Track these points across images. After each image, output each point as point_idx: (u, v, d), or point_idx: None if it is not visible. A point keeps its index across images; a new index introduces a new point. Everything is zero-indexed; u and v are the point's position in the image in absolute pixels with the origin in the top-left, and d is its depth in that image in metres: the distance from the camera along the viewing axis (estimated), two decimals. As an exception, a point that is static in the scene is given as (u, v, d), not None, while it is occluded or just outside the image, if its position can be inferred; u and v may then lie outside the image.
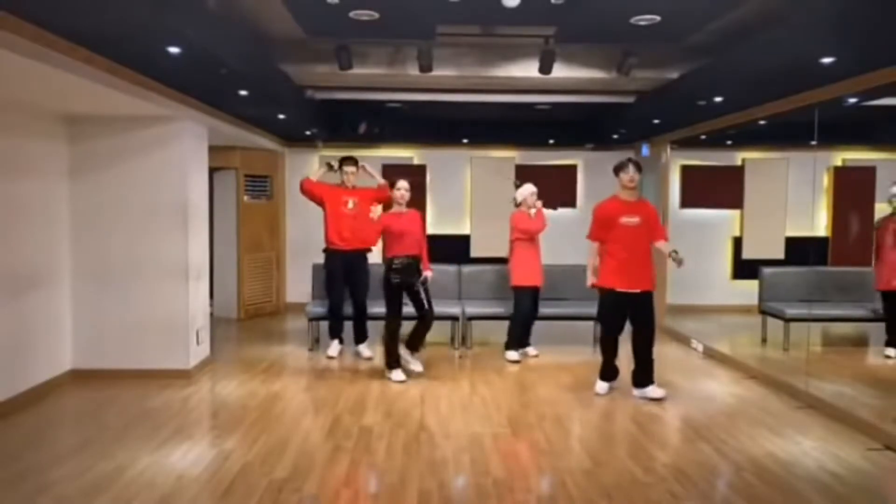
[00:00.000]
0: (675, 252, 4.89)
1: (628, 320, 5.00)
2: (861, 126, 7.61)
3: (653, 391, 4.97)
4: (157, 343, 5.46)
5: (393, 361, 5.47)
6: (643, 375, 5.00)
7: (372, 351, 6.20)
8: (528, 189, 6.11)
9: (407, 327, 5.56)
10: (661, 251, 5.00)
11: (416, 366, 5.60)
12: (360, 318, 6.27)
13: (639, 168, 4.95)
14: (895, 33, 3.52)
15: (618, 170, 4.96)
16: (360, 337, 6.30)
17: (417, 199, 8.72)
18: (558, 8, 4.38)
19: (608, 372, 5.12)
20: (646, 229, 4.89)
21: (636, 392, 5.03)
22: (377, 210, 5.43)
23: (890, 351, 6.09)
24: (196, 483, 3.46)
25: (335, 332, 6.31)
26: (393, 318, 5.43)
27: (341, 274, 6.16)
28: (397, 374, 5.42)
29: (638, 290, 4.85)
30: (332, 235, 6.14)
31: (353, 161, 6.26)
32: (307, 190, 6.16)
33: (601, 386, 5.12)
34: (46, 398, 4.92)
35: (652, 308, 4.97)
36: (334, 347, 6.27)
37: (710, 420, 4.53)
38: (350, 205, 6.12)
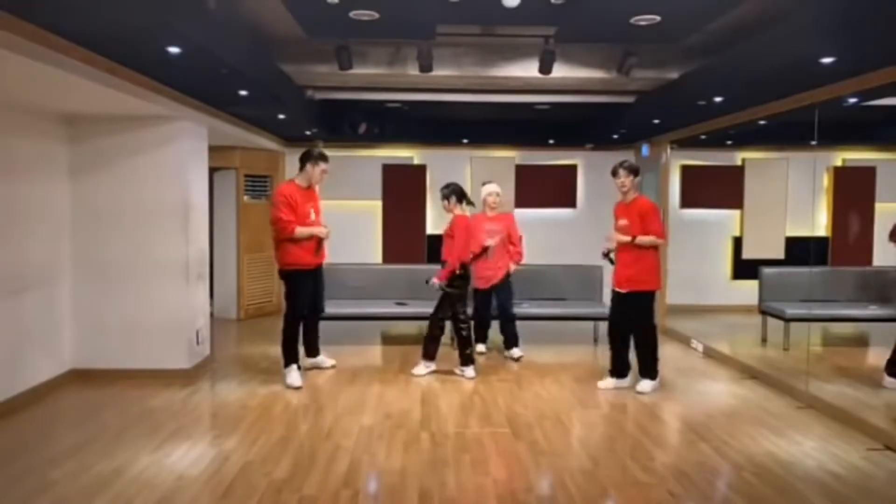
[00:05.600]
0: (610, 249, 5.09)
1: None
2: (861, 126, 7.62)
3: (642, 385, 5.14)
4: (157, 343, 5.46)
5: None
6: (639, 368, 5.19)
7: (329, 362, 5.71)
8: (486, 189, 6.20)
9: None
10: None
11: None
12: (317, 324, 5.69)
13: (629, 171, 4.99)
14: (895, 33, 3.52)
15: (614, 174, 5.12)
16: (315, 347, 5.68)
17: (417, 199, 8.82)
18: (558, 8, 4.38)
19: (612, 368, 5.26)
20: (635, 231, 4.91)
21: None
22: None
23: None
24: (196, 483, 3.46)
25: (293, 356, 5.30)
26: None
27: (310, 290, 5.40)
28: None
29: (623, 291, 5.02)
30: (303, 252, 5.20)
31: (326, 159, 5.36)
32: (296, 234, 5.16)
33: (605, 381, 5.26)
34: (46, 398, 4.92)
35: (636, 309, 5.00)
36: (295, 375, 5.25)
37: (710, 420, 4.53)
38: (312, 216, 5.29)
